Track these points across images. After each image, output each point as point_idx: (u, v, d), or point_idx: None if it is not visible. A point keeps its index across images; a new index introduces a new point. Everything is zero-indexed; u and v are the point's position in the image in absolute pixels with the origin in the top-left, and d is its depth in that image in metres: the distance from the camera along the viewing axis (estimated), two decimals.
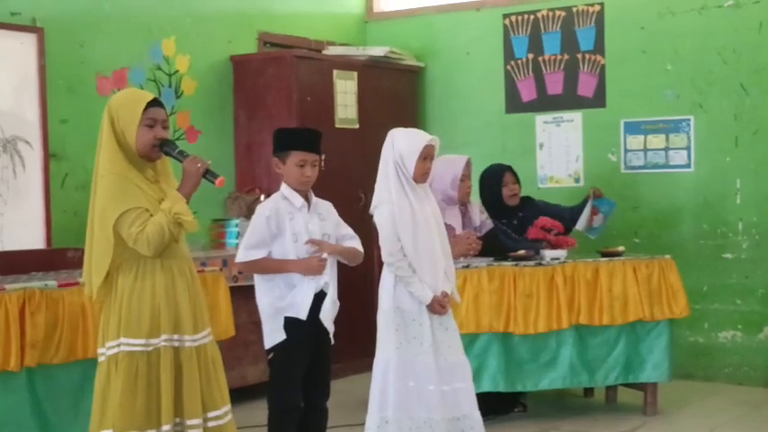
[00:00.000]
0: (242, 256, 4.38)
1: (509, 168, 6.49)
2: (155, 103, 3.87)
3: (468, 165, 6.04)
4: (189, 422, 3.84)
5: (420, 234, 4.47)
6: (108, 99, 6.36)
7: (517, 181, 6.51)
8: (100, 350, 3.87)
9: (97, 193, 3.80)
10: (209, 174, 3.84)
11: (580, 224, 6.34)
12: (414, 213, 4.47)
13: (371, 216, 4.57)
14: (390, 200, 4.46)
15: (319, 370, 4.45)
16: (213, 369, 3.96)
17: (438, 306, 4.49)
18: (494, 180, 6.44)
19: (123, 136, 3.81)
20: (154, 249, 3.74)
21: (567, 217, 6.35)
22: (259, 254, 4.34)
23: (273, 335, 4.39)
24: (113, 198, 3.74)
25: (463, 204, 6.09)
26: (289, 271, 4.33)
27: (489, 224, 6.19)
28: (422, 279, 4.48)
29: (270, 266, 4.37)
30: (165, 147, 3.85)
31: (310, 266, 4.31)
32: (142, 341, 3.78)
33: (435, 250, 4.52)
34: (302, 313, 4.33)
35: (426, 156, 4.51)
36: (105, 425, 3.78)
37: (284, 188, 4.42)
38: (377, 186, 4.56)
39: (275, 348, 4.39)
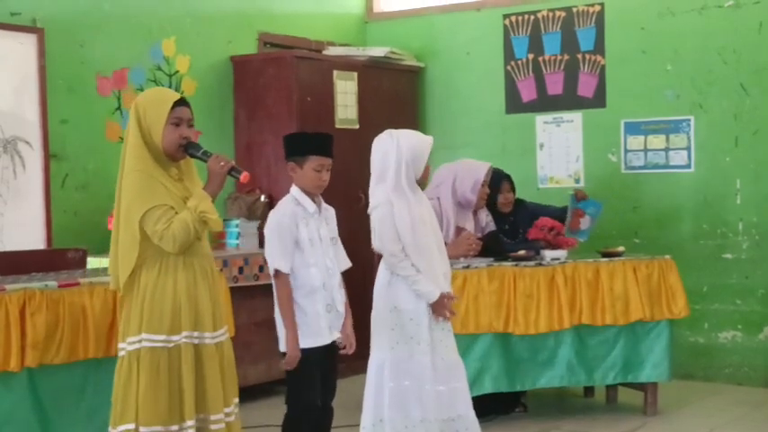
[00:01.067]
0: (278, 264, 4.32)
1: (507, 177, 6.48)
2: (181, 102, 3.92)
3: (488, 172, 6.09)
4: (213, 417, 3.90)
5: (418, 234, 4.47)
6: (108, 99, 6.46)
7: (512, 189, 6.52)
8: (120, 345, 3.92)
9: (123, 190, 3.86)
10: (233, 171, 3.92)
11: (564, 228, 6.32)
12: (412, 214, 4.47)
13: (370, 216, 4.57)
14: (389, 200, 4.46)
15: (326, 369, 4.46)
16: (228, 366, 4.02)
17: (444, 306, 4.48)
18: (491, 186, 6.42)
19: (149, 134, 3.86)
20: (179, 246, 3.80)
21: (558, 217, 6.34)
22: (287, 264, 4.31)
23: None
24: (139, 195, 3.80)
25: (477, 209, 6.14)
26: (287, 331, 4.31)
27: (492, 227, 6.25)
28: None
29: (286, 310, 4.33)
30: (189, 149, 3.92)
31: (289, 357, 4.30)
32: (163, 337, 3.84)
33: (432, 251, 4.52)
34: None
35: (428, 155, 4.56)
36: (127, 419, 3.83)
37: (296, 192, 4.41)
38: (373, 187, 4.55)
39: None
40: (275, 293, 4.37)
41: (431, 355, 4.47)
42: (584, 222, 6.33)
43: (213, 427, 3.90)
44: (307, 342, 4.33)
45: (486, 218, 6.26)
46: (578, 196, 6.46)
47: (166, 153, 3.88)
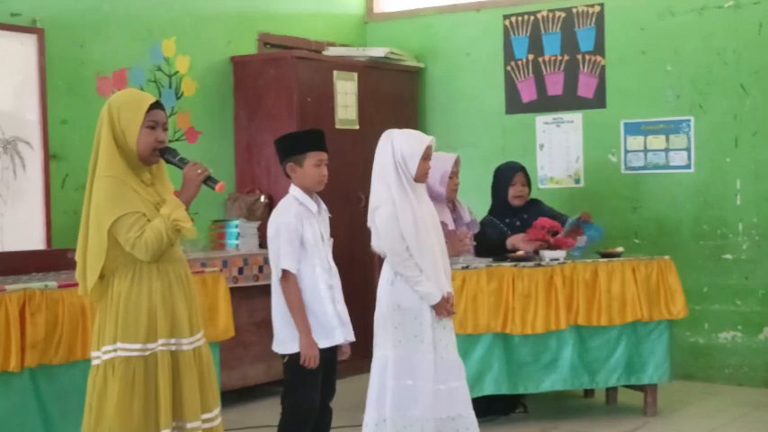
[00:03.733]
0: (287, 264, 4.32)
1: (522, 169, 6.43)
2: (156, 105, 3.83)
3: (456, 162, 6.02)
4: (189, 425, 3.80)
5: (421, 234, 4.47)
6: (108, 100, 6.45)
7: (527, 183, 6.45)
8: (94, 353, 3.80)
9: (93, 195, 3.74)
10: (209, 180, 3.80)
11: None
12: (414, 213, 4.47)
13: (368, 216, 4.57)
14: (391, 200, 4.46)
15: (326, 369, 4.45)
16: (207, 371, 3.93)
17: (445, 307, 4.49)
18: (503, 178, 6.40)
19: (123, 137, 3.76)
20: (151, 255, 3.70)
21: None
22: (295, 265, 4.32)
23: (289, 343, 4.37)
24: (110, 201, 3.69)
25: (450, 202, 6.09)
26: (301, 333, 4.32)
27: (478, 224, 6.20)
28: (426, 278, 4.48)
29: (298, 310, 4.34)
30: (165, 154, 3.81)
31: (308, 357, 4.31)
32: (139, 346, 3.74)
33: (434, 250, 4.53)
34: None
35: (427, 156, 4.53)
36: (101, 429, 3.74)
37: (297, 192, 4.42)
38: (374, 188, 4.55)
39: (292, 353, 4.39)
40: (284, 295, 4.35)
41: (433, 354, 4.48)
42: (581, 241, 6.28)
43: None
44: (318, 343, 4.34)
45: (469, 215, 6.19)
46: (582, 218, 6.39)
47: (140, 157, 3.77)
